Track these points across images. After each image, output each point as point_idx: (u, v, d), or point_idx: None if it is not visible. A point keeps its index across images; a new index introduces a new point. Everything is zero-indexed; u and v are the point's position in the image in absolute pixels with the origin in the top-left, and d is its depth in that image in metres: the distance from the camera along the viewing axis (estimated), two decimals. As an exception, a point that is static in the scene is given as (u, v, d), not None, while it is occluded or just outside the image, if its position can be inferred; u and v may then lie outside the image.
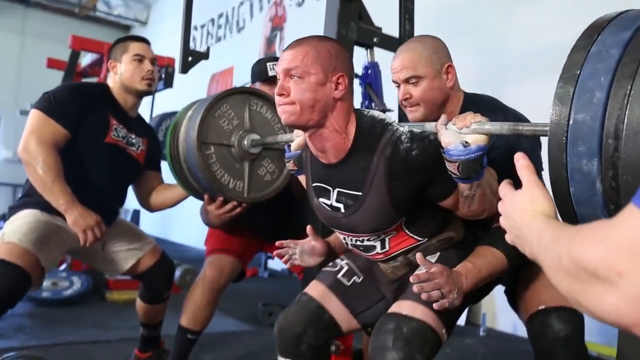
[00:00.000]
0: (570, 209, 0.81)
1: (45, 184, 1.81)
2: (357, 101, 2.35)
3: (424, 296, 1.20)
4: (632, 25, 0.76)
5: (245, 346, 2.88)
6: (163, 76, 4.35)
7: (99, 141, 1.99)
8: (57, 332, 2.87)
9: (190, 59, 2.56)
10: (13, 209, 1.96)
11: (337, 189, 1.35)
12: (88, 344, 2.71)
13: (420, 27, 2.38)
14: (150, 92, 2.14)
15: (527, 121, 1.53)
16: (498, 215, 0.89)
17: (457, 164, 1.15)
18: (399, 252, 1.40)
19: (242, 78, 6.55)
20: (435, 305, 1.21)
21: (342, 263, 1.55)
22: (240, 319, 3.43)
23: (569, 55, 0.81)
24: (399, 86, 1.54)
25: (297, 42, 1.28)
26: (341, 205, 1.35)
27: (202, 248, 2.31)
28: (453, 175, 1.19)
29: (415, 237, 1.38)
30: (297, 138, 1.52)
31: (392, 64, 1.55)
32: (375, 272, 1.50)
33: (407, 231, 1.36)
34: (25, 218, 1.87)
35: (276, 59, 2.15)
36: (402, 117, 1.74)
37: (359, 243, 1.41)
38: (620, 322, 0.50)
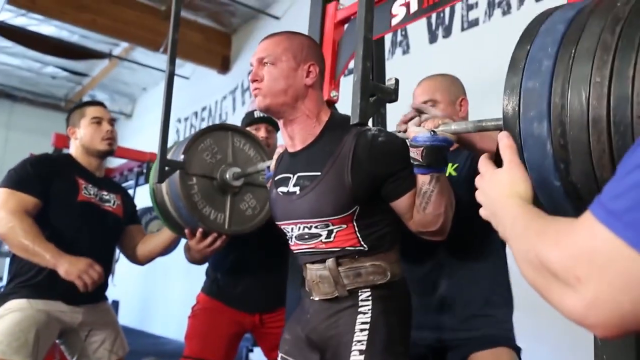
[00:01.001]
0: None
1: (27, 247, 1.82)
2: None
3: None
4: (576, 6, 0.84)
5: None
6: (144, 170, 4.39)
7: (70, 201, 2.01)
8: None
9: (167, 168, 2.55)
10: (0, 299, 1.92)
11: (298, 174, 1.37)
12: None
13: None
14: (112, 151, 2.18)
15: None
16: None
17: (421, 148, 1.19)
18: (337, 249, 1.33)
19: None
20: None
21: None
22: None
23: (520, 37, 0.88)
24: None
25: (271, 34, 1.38)
26: (297, 189, 1.35)
27: (182, 340, 2.24)
28: (415, 164, 1.21)
29: (360, 239, 1.32)
30: (274, 156, 1.57)
31: (414, 92, 1.69)
32: (300, 334, 1.42)
33: (355, 228, 1.31)
34: (12, 317, 1.83)
35: None
36: None
37: (306, 231, 1.35)
38: (579, 322, 0.52)
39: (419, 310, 1.45)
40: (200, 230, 1.93)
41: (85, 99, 9.79)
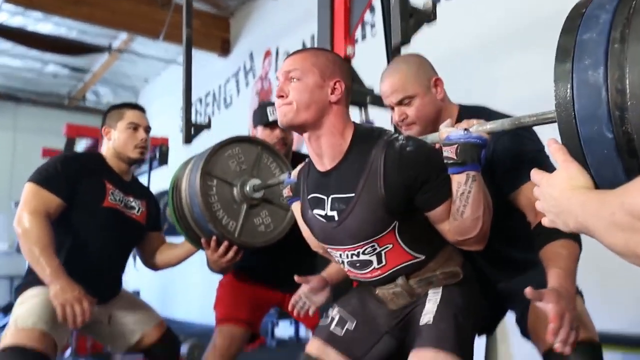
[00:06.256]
0: (574, 131, 0.81)
1: (34, 255, 1.79)
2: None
3: (567, 350, 1.08)
4: None
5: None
6: (157, 155, 4.49)
7: (96, 206, 1.99)
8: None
9: (192, 131, 2.64)
10: (20, 289, 1.93)
11: (332, 196, 1.35)
12: None
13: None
14: (142, 160, 2.16)
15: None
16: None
17: (455, 146, 1.16)
18: (397, 268, 1.35)
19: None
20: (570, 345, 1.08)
21: (333, 313, 1.54)
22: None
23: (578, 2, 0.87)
24: (393, 109, 1.57)
25: (298, 50, 1.37)
26: (334, 213, 1.34)
27: (205, 323, 2.27)
28: (449, 162, 1.18)
29: (412, 252, 1.33)
30: (299, 165, 1.55)
31: (381, 89, 1.59)
32: (371, 308, 1.47)
33: (402, 243, 1.32)
34: (34, 298, 1.85)
35: None
36: None
37: (355, 258, 1.37)
38: None
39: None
40: (214, 238, 1.94)
41: (88, 95, 9.82)
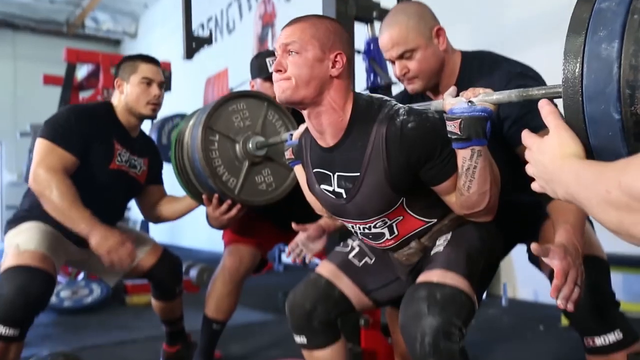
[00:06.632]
0: (579, 110, 0.76)
1: (63, 211, 1.77)
2: (362, 77, 2.39)
3: (569, 307, 1.08)
4: None
5: (270, 334, 2.89)
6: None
7: (103, 168, 1.97)
8: (83, 337, 2.91)
9: (194, 45, 2.58)
10: (12, 223, 1.92)
11: (337, 173, 1.32)
12: (116, 345, 2.75)
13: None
14: (154, 117, 2.10)
15: (533, 72, 1.47)
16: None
17: (459, 120, 1.08)
18: (409, 235, 1.36)
19: (237, 79, 6.57)
20: (573, 302, 1.08)
21: (354, 244, 1.54)
22: (262, 310, 3.47)
23: None
24: (393, 63, 1.50)
25: (296, 19, 1.27)
26: (342, 190, 1.32)
27: (213, 250, 2.30)
28: (453, 138, 1.12)
29: (423, 219, 1.33)
30: (301, 127, 1.50)
31: (380, 42, 1.51)
32: (387, 255, 1.48)
33: (412, 214, 1.31)
34: (32, 229, 1.85)
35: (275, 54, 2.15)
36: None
37: (367, 231, 1.37)
38: None
39: None
40: (215, 195, 1.92)
41: (87, 22, 9.58)
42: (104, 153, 1.96)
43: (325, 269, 1.51)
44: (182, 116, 4.88)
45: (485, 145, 1.12)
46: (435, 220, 1.35)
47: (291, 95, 1.22)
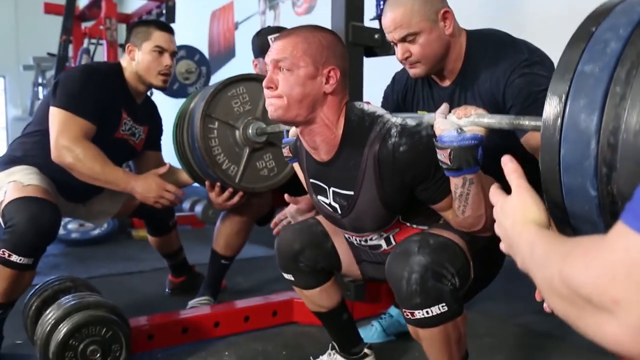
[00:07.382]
0: (556, 177, 0.72)
1: (98, 176, 1.80)
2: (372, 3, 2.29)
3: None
4: None
5: (274, 269, 2.92)
6: (164, 11, 4.28)
7: (108, 136, 1.96)
8: (91, 267, 3.01)
9: None
10: (2, 165, 1.89)
11: (332, 189, 1.31)
12: (123, 275, 2.84)
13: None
14: (164, 88, 2.07)
15: (540, 55, 1.39)
16: None
17: (448, 150, 1.04)
18: None
19: (243, 13, 6.40)
20: None
21: None
22: (268, 246, 3.50)
23: (588, 15, 0.74)
24: (395, 45, 1.44)
25: (288, 31, 1.23)
26: (337, 206, 1.31)
27: None
28: (444, 167, 1.08)
29: (420, 227, 1.32)
30: None
31: (383, 22, 1.44)
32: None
33: (409, 225, 1.32)
34: (30, 170, 1.85)
35: (278, 30, 2.07)
36: None
37: (363, 243, 1.38)
38: (625, 353, 0.44)
39: None
40: (218, 184, 1.92)
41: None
42: (111, 122, 1.97)
43: (326, 222, 1.49)
44: (187, 48, 4.77)
45: (478, 172, 1.07)
46: (434, 224, 1.32)
47: (283, 114, 1.20)
